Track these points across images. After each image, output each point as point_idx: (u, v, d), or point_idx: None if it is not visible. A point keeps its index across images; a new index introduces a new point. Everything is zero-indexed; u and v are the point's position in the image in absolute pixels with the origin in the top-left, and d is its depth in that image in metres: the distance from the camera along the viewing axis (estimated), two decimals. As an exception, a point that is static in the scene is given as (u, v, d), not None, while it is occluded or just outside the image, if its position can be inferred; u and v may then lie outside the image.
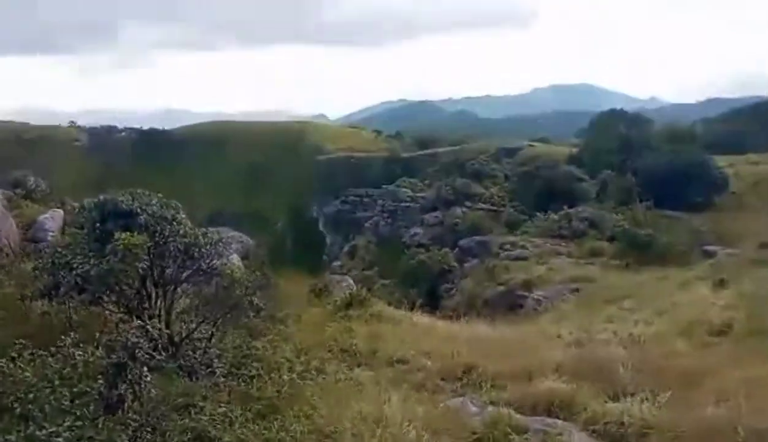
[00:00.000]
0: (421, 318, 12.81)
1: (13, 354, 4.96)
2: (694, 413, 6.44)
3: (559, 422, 6.55)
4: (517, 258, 27.15)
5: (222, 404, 5.67)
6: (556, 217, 33.76)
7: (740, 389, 6.93)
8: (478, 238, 33.89)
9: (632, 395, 7.15)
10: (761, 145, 57.04)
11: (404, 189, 53.64)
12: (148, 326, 6.44)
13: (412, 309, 13.92)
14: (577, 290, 19.40)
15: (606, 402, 7.00)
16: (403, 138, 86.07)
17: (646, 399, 6.89)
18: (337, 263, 44.25)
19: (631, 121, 63.44)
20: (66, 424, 4.09)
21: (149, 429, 4.58)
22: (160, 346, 6.62)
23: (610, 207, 36.72)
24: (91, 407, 4.46)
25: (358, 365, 8.45)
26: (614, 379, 7.80)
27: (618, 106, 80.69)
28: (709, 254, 22.81)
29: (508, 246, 29.77)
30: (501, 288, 21.98)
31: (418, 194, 51.80)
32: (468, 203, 44.18)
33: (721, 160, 45.93)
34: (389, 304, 13.91)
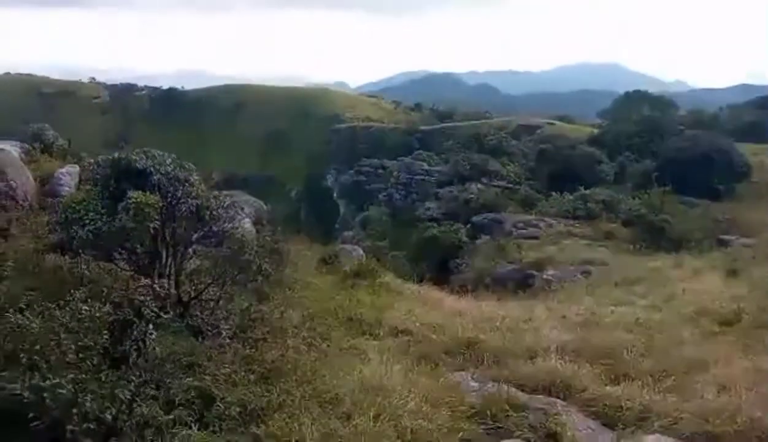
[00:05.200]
0: (430, 291, 12.86)
1: (23, 305, 5.06)
2: (695, 400, 6.45)
3: (558, 401, 6.58)
4: (530, 237, 27.00)
5: (226, 365, 5.77)
6: (571, 197, 33.48)
7: (743, 379, 6.92)
8: (492, 215, 33.71)
9: (633, 379, 7.16)
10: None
11: (420, 162, 53.37)
12: (156, 285, 6.54)
13: (421, 282, 14.00)
14: (588, 272, 19.27)
15: (606, 385, 7.02)
16: (422, 110, 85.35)
17: (647, 384, 6.90)
18: (349, 233, 44.35)
19: (655, 103, 62.31)
20: (70, 376, 4.19)
21: (153, 385, 4.68)
22: (168, 305, 6.73)
23: (627, 190, 36.31)
24: (95, 361, 4.55)
25: (363, 334, 8.53)
26: (617, 362, 7.82)
27: (643, 88, 79.15)
28: (725, 243, 22.54)
29: (521, 224, 29.60)
30: (511, 266, 21.90)
31: (434, 168, 51.52)
32: (484, 180, 43.87)
33: (745, 148, 44.99)
34: (399, 276, 13.97)
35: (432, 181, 48.74)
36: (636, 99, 66.96)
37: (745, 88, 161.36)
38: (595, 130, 55.87)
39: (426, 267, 23.35)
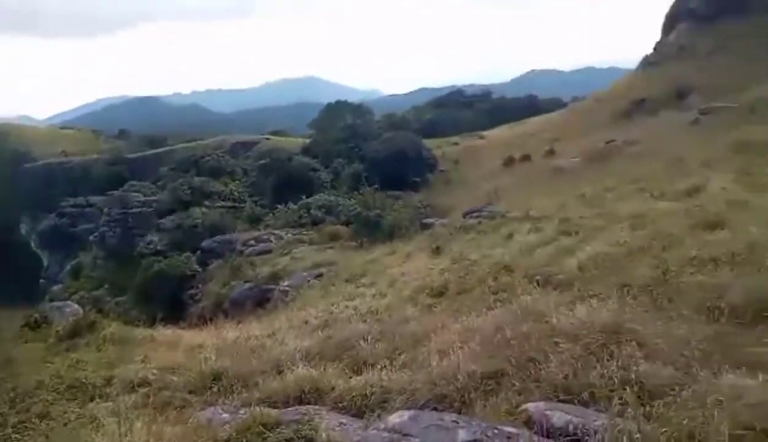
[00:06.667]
0: (165, 332, 11.96)
1: None
2: (424, 369, 7.27)
3: (311, 407, 6.74)
4: (262, 252, 27.22)
5: None
6: (295, 207, 34.78)
7: (457, 340, 8.07)
8: (221, 237, 33.03)
9: (373, 365, 7.75)
10: (460, 127, 67.14)
11: (134, 193, 49.24)
12: None
13: (153, 324, 12.94)
14: (320, 274, 20.20)
15: (351, 377, 7.45)
16: (128, 137, 78.94)
17: (385, 366, 7.54)
18: (58, 287, 38.67)
19: (355, 111, 68.52)
20: None
21: None
22: None
23: (343, 193, 39.25)
24: None
25: (92, 399, 7.52)
26: (357, 353, 8.37)
27: (343, 98, 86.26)
28: (427, 226, 25.98)
29: (252, 242, 29.64)
30: (248, 285, 21.77)
31: (151, 198, 48.15)
32: (207, 202, 42.69)
33: (430, 143, 52.61)
34: (126, 323, 12.67)
35: (151, 212, 45.47)
36: (338, 109, 72.55)
37: (423, 91, 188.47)
38: (307, 141, 58.95)
39: (158, 306, 21.71)
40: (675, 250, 7.93)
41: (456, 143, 57.06)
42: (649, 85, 46.21)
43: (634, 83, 50.93)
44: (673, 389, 3.94)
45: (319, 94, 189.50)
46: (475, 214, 24.60)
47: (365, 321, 10.07)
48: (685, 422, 3.45)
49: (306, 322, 11.13)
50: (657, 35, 57.68)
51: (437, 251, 16.70)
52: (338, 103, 78.72)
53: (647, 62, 54.42)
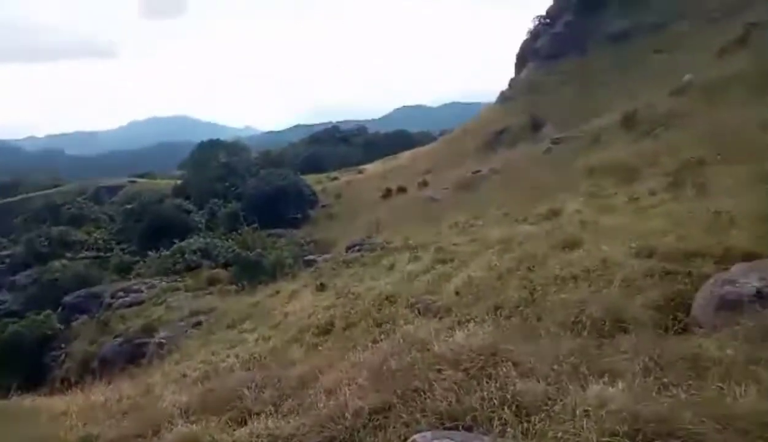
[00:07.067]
0: (20, 402, 10.68)
1: None
2: (312, 411, 7.10)
3: (191, 467, 6.32)
4: (133, 303, 25.35)
5: None
6: (168, 252, 33.01)
7: (345, 377, 7.98)
8: (85, 291, 30.36)
9: (258, 414, 7.43)
10: (337, 162, 68.08)
11: (-20, 249, 44.19)
12: None
13: (8, 395, 11.51)
14: (199, 322, 19.25)
15: (235, 430, 7.08)
16: (-30, 187, 70.85)
17: (271, 413, 7.25)
18: None
19: (230, 149, 67.08)
20: None
21: None
22: None
23: (220, 234, 37.94)
24: None
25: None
26: (241, 403, 7.99)
27: (216, 137, 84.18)
28: (311, 263, 25.79)
29: (121, 293, 27.54)
30: (118, 340, 20.13)
31: (3, 252, 43.57)
32: (69, 254, 39.24)
33: (310, 179, 52.74)
34: (-29, 399, 11.14)
35: (2, 269, 40.92)
36: (211, 147, 70.59)
37: (300, 128, 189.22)
38: (179, 182, 56.60)
39: (15, 374, 19.33)
40: (540, 270, 8.51)
41: (335, 178, 57.72)
42: (507, 118, 50.08)
43: (494, 116, 54.90)
44: (547, 404, 4.17)
45: (190, 133, 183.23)
46: (357, 248, 24.86)
47: (249, 368, 9.69)
48: (559, 435, 3.66)
49: (185, 375, 10.50)
50: (511, 72, 63.10)
51: (322, 288, 16.59)
52: (211, 141, 76.67)
53: (504, 97, 59.11)
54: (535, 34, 59.90)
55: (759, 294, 5.31)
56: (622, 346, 5.10)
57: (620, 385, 4.14)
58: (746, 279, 5.65)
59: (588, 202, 14.70)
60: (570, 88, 47.24)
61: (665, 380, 4.14)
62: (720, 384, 3.88)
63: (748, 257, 6.51)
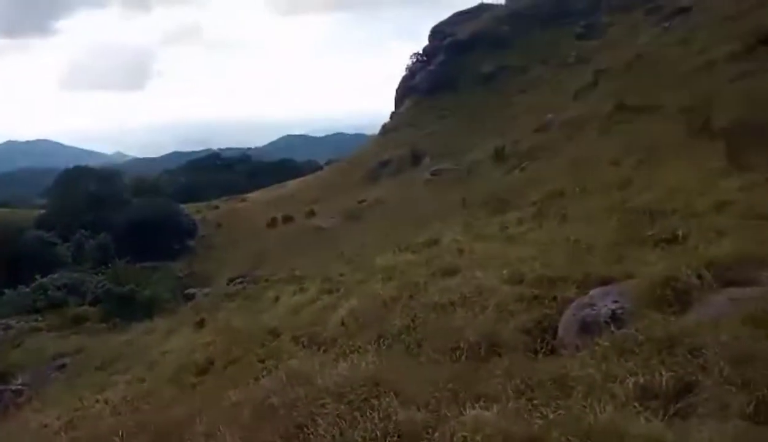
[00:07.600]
0: None
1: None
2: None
3: None
4: (-17, 348, 22.67)
5: None
6: (28, 289, 30.03)
7: (223, 420, 7.63)
8: (-77, 336, 26.59)
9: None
10: (219, 191, 65.89)
11: None
12: None
13: None
14: (64, 365, 17.67)
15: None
16: None
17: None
18: None
19: (99, 176, 62.61)
20: None
21: None
22: None
23: (88, 268, 35.16)
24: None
25: None
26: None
27: (84, 163, 78.41)
28: (191, 297, 24.66)
29: (-32, 337, 24.52)
30: (-36, 391, 17.86)
31: None
32: None
33: (189, 208, 50.57)
34: None
35: None
36: (78, 174, 65.54)
37: (175, 155, 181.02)
38: (41, 211, 51.85)
39: None
40: (420, 297, 8.79)
41: (217, 206, 55.78)
42: (389, 150, 51.73)
43: (377, 148, 56.45)
44: (428, 432, 4.28)
45: (53, 159, 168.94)
46: (240, 280, 24.16)
47: (119, 413, 9.00)
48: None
49: (45, 426, 9.52)
50: (392, 106, 65.58)
51: (201, 324, 15.89)
52: (78, 167, 71.27)
53: (386, 129, 61.13)
54: (413, 71, 62.89)
55: (614, 316, 5.84)
56: (497, 369, 5.38)
57: (495, 408, 4.36)
58: (603, 302, 6.21)
59: (464, 231, 15.45)
60: (446, 123, 49.96)
61: (535, 400, 4.40)
62: (583, 403, 4.20)
63: (605, 281, 7.17)
